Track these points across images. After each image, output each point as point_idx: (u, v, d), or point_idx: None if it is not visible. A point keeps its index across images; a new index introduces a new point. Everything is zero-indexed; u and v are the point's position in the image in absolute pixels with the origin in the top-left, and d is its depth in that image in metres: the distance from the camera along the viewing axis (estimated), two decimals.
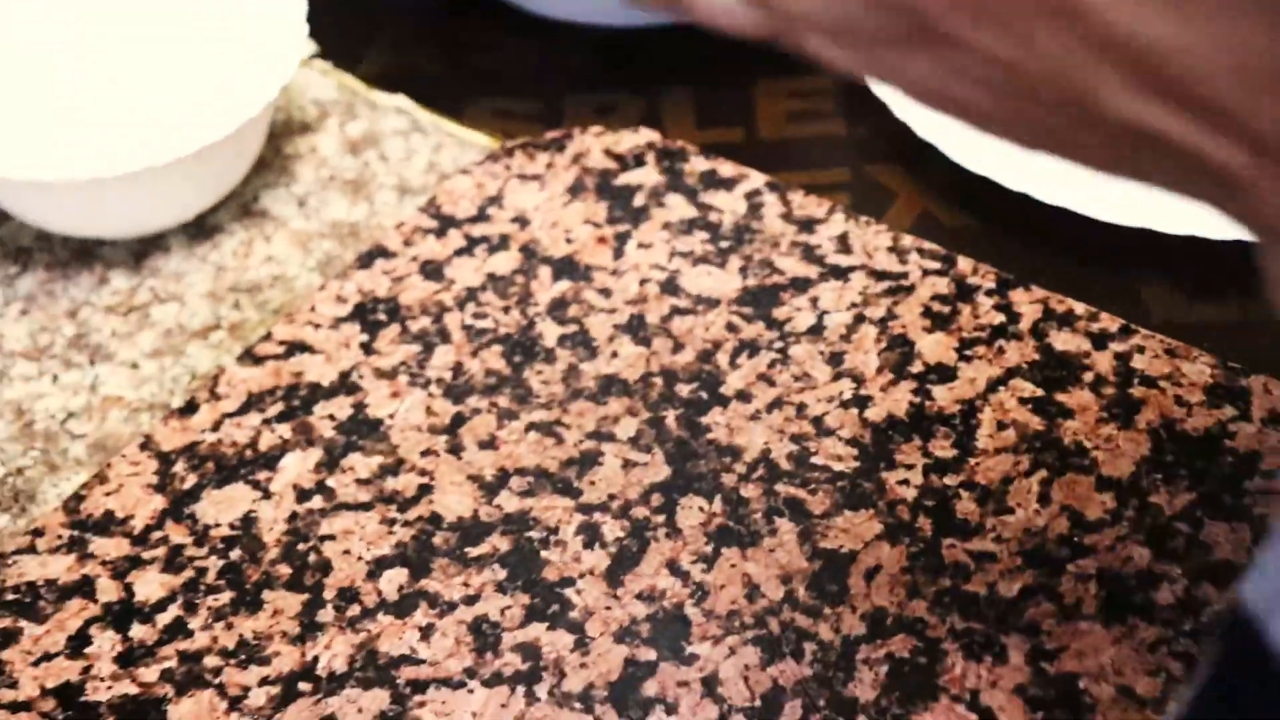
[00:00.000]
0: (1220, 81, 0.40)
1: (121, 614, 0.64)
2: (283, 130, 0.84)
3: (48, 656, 0.63)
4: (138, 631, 0.64)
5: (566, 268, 0.76)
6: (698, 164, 0.80)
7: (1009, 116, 0.45)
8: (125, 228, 0.77)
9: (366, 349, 0.73)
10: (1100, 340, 0.72)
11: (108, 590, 0.65)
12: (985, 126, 0.46)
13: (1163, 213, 0.75)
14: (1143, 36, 0.40)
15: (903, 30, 0.44)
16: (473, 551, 0.66)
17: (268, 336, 0.74)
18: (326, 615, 0.64)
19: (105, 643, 0.63)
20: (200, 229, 0.80)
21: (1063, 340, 0.72)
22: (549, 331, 0.73)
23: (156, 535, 0.67)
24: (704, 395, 0.71)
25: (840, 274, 0.75)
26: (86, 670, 0.63)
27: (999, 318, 0.73)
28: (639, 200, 0.79)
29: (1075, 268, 0.76)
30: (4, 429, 0.72)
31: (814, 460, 0.68)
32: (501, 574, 0.65)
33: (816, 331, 0.73)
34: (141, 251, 0.79)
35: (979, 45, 0.43)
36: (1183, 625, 0.62)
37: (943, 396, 0.70)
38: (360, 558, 0.66)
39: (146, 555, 0.66)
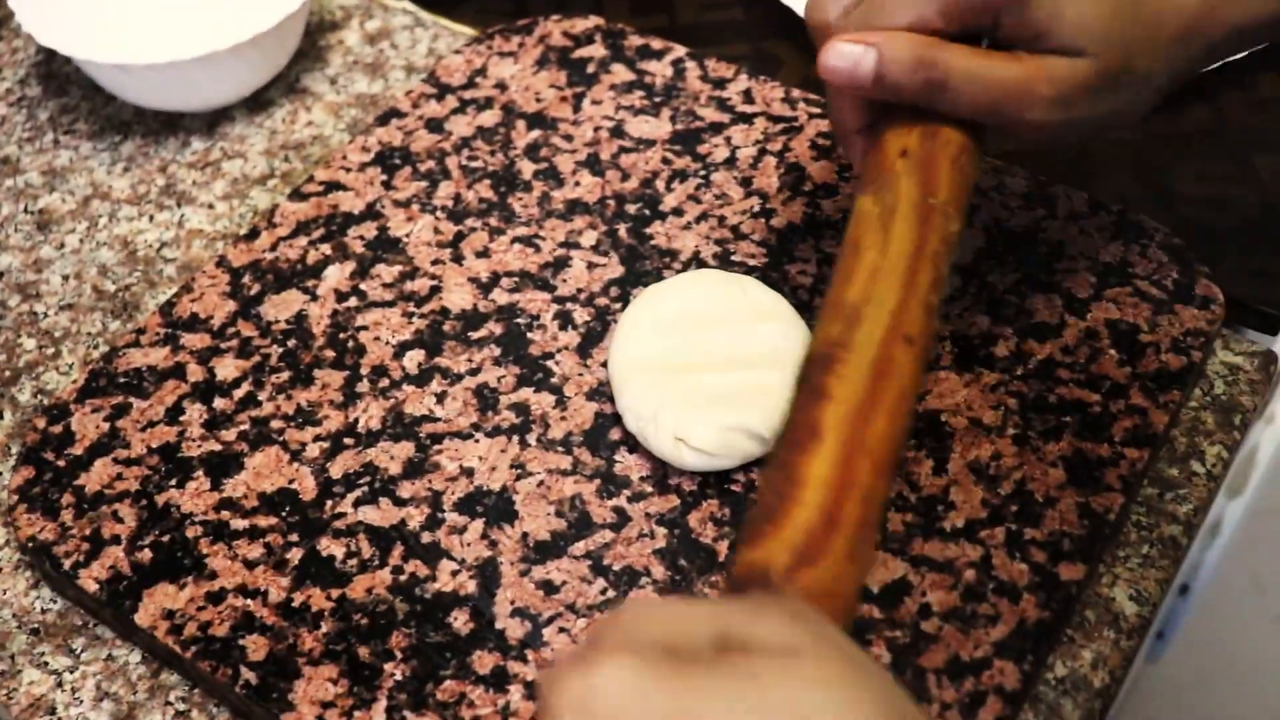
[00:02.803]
0: None
1: (206, 390, 0.59)
2: (317, 28, 0.78)
3: (151, 424, 0.58)
4: (219, 403, 0.58)
5: (537, 120, 0.69)
6: (634, 40, 0.72)
7: None
8: (199, 102, 0.72)
9: (386, 185, 0.66)
10: None
11: (195, 373, 0.59)
12: None
13: None
14: None
15: None
16: (474, 335, 0.60)
17: (310, 179, 0.67)
18: (363, 387, 0.58)
19: (195, 412, 0.58)
20: (257, 103, 0.74)
21: None
22: (526, 168, 0.67)
23: (231, 330, 0.61)
24: (647, 212, 0.64)
25: (746, 119, 0.68)
26: (181, 434, 0.57)
27: None
28: (590, 69, 0.71)
29: None
30: (114, 256, 0.67)
31: (734, 258, 0.62)
32: (497, 351, 0.59)
33: (730, 162, 0.66)
34: (213, 121, 0.73)
35: None
36: (1015, 371, 0.57)
37: (829, 208, 0.64)
38: (387, 342, 0.60)
39: (224, 346, 0.60)
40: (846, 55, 0.47)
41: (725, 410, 0.54)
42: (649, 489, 0.54)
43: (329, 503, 0.54)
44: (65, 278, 0.66)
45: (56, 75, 0.76)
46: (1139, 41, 0.49)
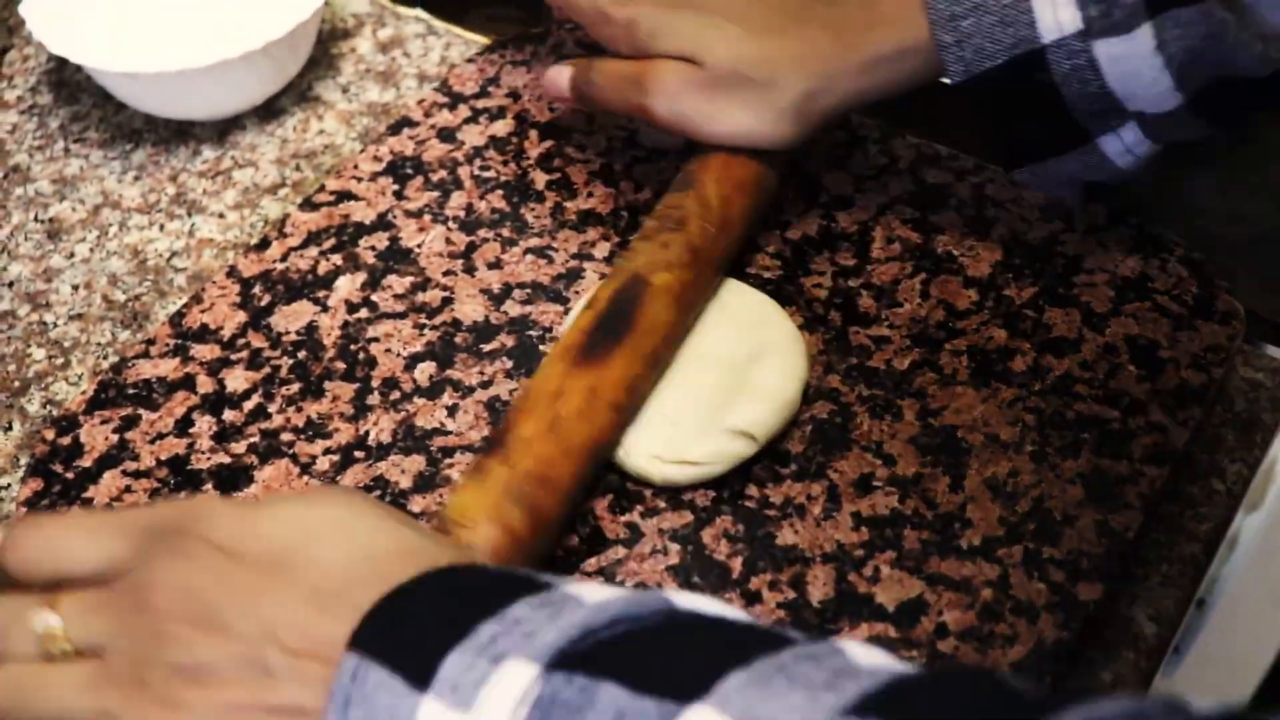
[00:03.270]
0: None
1: (216, 402, 0.58)
2: (329, 35, 0.77)
3: (160, 436, 0.57)
4: (229, 415, 0.58)
5: (550, 130, 0.69)
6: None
7: None
8: (210, 111, 0.72)
9: (398, 195, 0.66)
10: (960, 174, 0.65)
11: (205, 384, 0.59)
12: None
13: None
14: None
15: None
16: (486, 347, 0.59)
17: (322, 189, 0.67)
18: (374, 399, 0.58)
19: (204, 424, 0.57)
20: (268, 111, 0.74)
21: (932, 175, 0.65)
22: (539, 178, 0.66)
23: (241, 341, 0.60)
24: None
25: None
26: (190, 446, 0.57)
27: (883, 159, 0.66)
28: None
29: (940, 119, 0.69)
30: (124, 265, 0.67)
31: (749, 270, 0.61)
32: (509, 364, 0.59)
33: None
34: (224, 130, 0.73)
35: None
36: (1033, 386, 0.57)
37: (844, 219, 0.63)
38: (399, 354, 0.59)
39: (234, 357, 0.60)
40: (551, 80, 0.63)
41: (707, 416, 0.54)
42: (662, 504, 0.54)
43: None
44: (75, 287, 0.65)
45: (67, 83, 0.76)
46: (759, 59, 0.57)
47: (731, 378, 0.55)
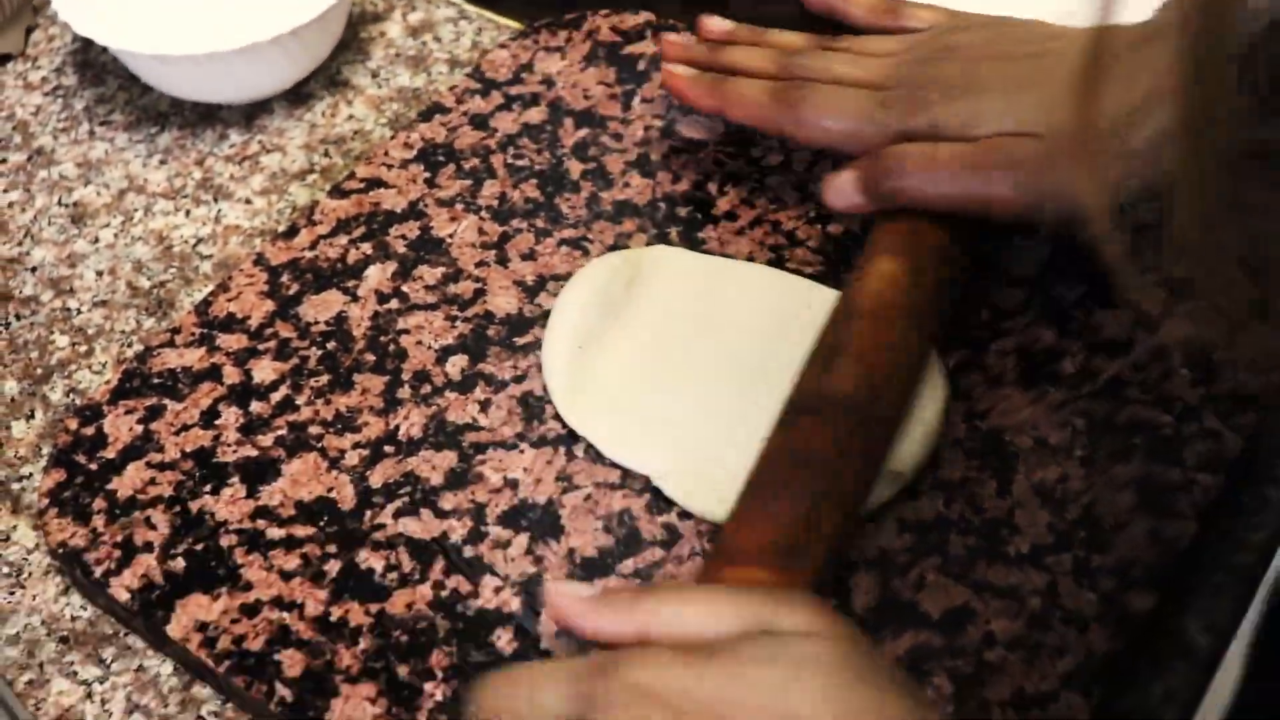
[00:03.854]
0: None
1: (243, 393, 0.57)
2: (359, 19, 0.76)
3: (186, 427, 0.56)
4: (256, 407, 0.56)
5: (586, 118, 0.67)
6: (686, 37, 0.70)
7: None
8: (238, 94, 0.70)
9: (430, 183, 0.65)
10: None
11: (231, 375, 0.58)
12: None
13: None
14: None
15: None
16: (519, 340, 0.58)
17: (351, 175, 0.65)
18: (405, 393, 0.56)
19: (230, 416, 0.56)
20: (297, 95, 0.72)
21: None
22: (574, 167, 0.65)
23: (268, 331, 0.59)
24: (699, 215, 0.62)
25: None
26: (216, 438, 0.56)
27: None
28: (641, 65, 0.70)
29: None
30: (149, 252, 0.65)
31: (788, 266, 0.60)
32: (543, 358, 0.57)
33: (785, 166, 0.64)
34: (252, 114, 0.72)
35: None
36: (1082, 389, 0.55)
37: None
38: (430, 347, 0.58)
39: (261, 347, 0.58)
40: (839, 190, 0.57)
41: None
42: None
43: (368, 513, 0.53)
44: (99, 273, 0.64)
45: (93, 64, 0.75)
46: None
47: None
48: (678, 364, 0.55)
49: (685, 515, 0.52)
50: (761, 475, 0.47)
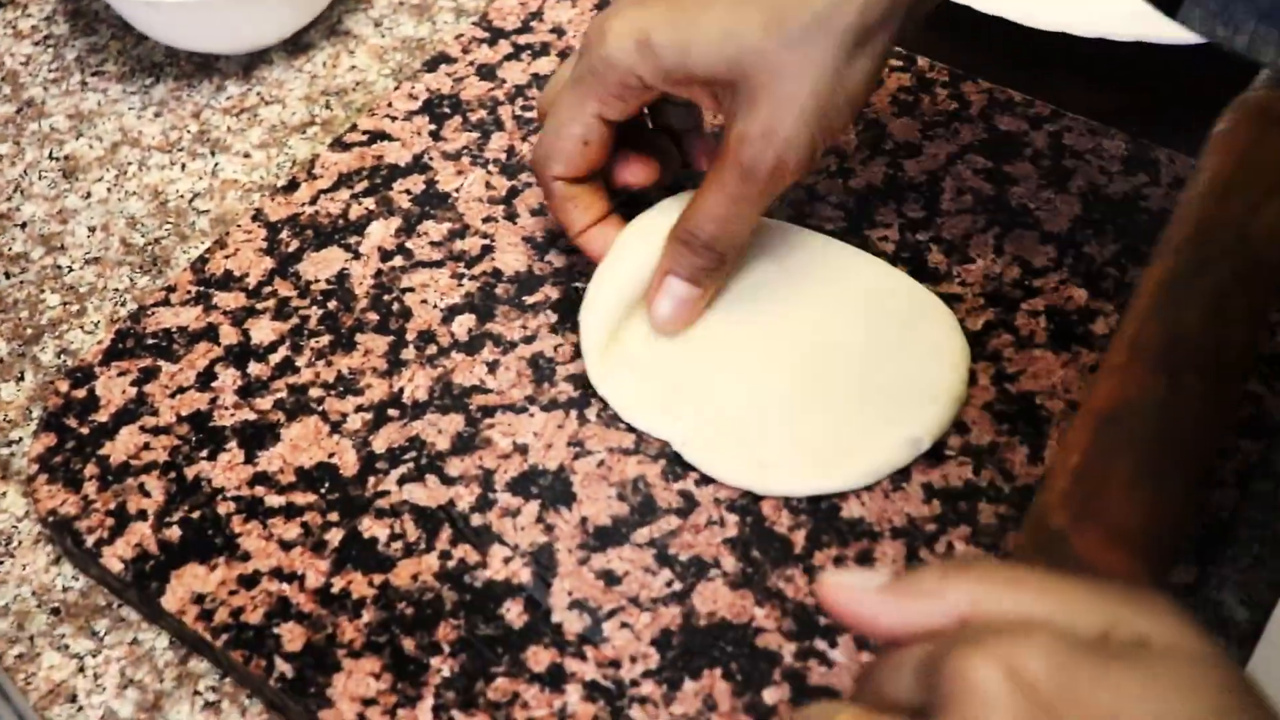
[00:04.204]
0: None
1: (240, 354, 0.55)
2: None
3: (181, 389, 0.54)
4: (254, 369, 0.54)
5: None
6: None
7: None
8: (236, 44, 0.68)
9: (435, 136, 0.62)
10: (1036, 122, 0.61)
11: (229, 335, 0.55)
12: None
13: (1078, 16, 0.64)
14: None
15: None
16: (529, 299, 0.56)
17: (353, 128, 0.63)
18: (409, 354, 0.54)
19: (228, 378, 0.54)
20: (297, 45, 0.70)
21: (1005, 122, 0.61)
22: None
23: (267, 290, 0.57)
24: None
25: None
26: (213, 401, 0.53)
27: (953, 105, 0.62)
28: None
29: (1011, 65, 0.65)
30: (144, 207, 0.63)
31: (809, 221, 0.57)
32: (553, 318, 0.55)
33: None
34: (250, 64, 0.69)
35: None
36: None
37: (912, 168, 0.59)
38: (435, 306, 0.56)
39: (259, 306, 0.56)
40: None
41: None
42: None
43: (371, 479, 0.50)
44: (91, 229, 0.62)
45: (85, 13, 0.72)
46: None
47: (880, 371, 0.51)
48: (712, 330, 0.53)
49: (702, 482, 0.50)
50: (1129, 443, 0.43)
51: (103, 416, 0.53)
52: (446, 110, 0.63)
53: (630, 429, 0.51)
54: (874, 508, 0.49)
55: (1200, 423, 0.43)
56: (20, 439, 0.55)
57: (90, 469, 0.51)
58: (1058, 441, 0.45)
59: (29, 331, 0.58)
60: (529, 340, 0.54)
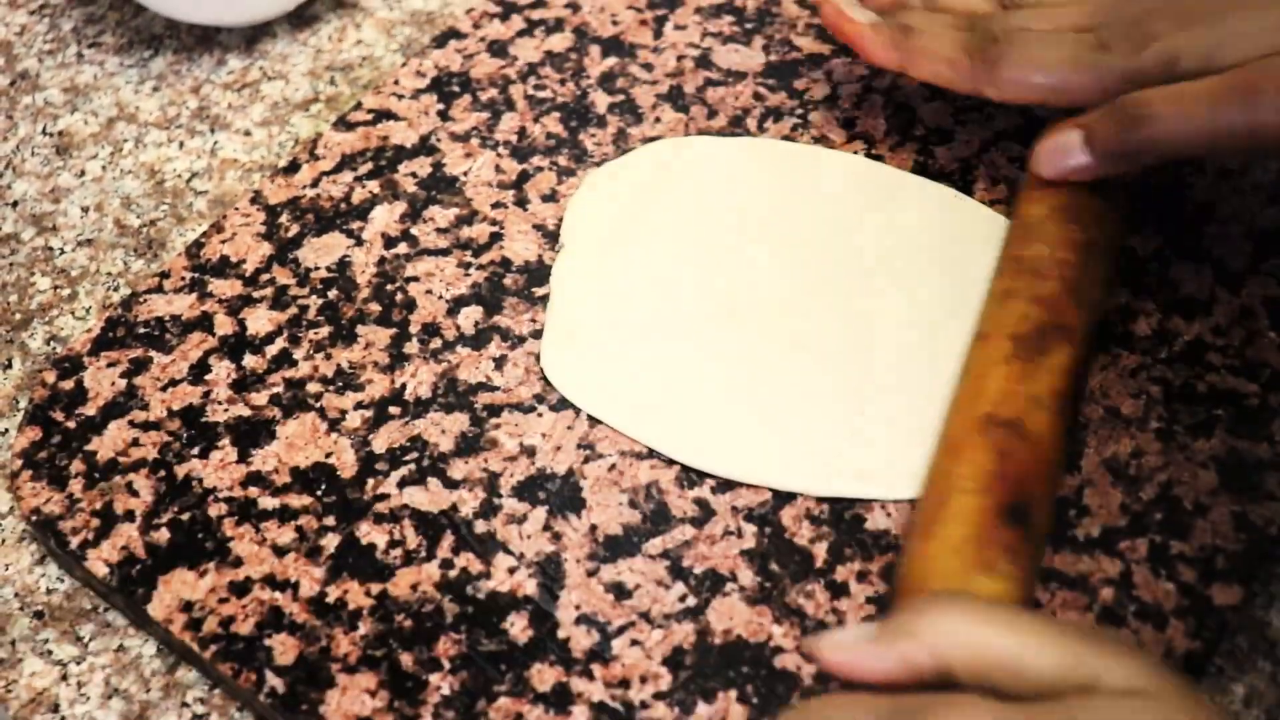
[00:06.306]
0: None
1: (236, 346, 0.52)
2: None
3: (173, 382, 0.52)
4: (249, 361, 0.52)
5: (614, 46, 0.62)
6: None
7: None
8: (237, 15, 0.65)
9: (443, 116, 0.59)
10: (1075, 110, 0.58)
11: (224, 325, 0.53)
12: None
13: None
14: None
15: None
16: (539, 291, 0.53)
17: (358, 106, 0.60)
18: (412, 348, 0.51)
19: (222, 371, 0.52)
20: (301, 18, 0.67)
21: (1041, 108, 0.58)
22: (600, 100, 0.59)
23: (265, 277, 0.54)
24: None
25: (850, 51, 0.60)
26: (206, 395, 0.51)
27: None
28: None
29: None
30: (139, 186, 0.61)
31: None
32: None
33: (831, 100, 0.59)
34: (253, 37, 0.66)
35: None
36: (1159, 354, 0.50)
37: (943, 156, 0.56)
38: (440, 296, 0.53)
39: (256, 294, 0.54)
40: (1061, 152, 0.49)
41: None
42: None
43: (370, 481, 0.48)
44: (85, 209, 0.59)
45: None
46: None
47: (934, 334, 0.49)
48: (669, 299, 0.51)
49: (720, 489, 0.47)
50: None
51: (90, 410, 0.50)
52: (456, 89, 0.60)
53: None
54: (900, 519, 0.46)
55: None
56: (7, 431, 0.52)
57: (76, 465, 0.49)
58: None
59: (18, 317, 0.56)
60: (538, 335, 0.51)
